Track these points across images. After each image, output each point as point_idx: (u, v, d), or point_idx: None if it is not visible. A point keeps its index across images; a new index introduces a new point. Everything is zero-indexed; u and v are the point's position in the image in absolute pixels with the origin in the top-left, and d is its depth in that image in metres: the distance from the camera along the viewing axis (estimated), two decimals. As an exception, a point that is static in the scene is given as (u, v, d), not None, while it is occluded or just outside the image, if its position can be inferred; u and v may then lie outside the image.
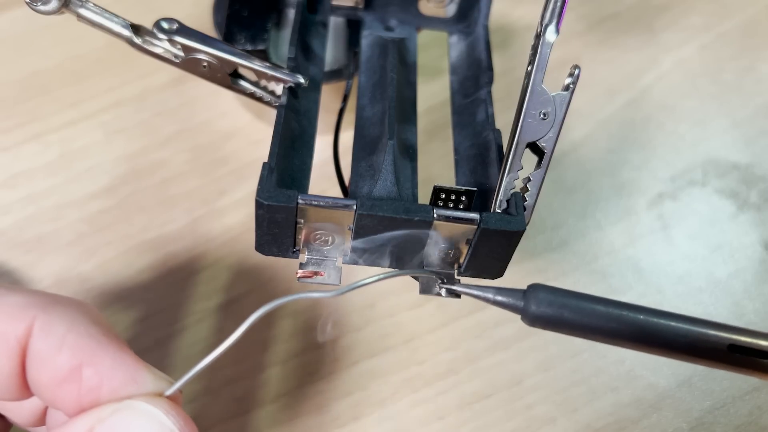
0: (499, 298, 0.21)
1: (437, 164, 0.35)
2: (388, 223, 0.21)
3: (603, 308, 0.20)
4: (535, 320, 0.21)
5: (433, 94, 0.38)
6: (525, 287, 0.21)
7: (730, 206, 0.36)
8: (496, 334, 0.32)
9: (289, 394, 0.30)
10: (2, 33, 0.40)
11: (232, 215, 0.34)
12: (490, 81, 0.27)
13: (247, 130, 0.37)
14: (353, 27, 0.31)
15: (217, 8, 0.35)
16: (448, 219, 0.21)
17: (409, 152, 0.25)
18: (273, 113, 0.36)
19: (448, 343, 0.31)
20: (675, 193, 0.36)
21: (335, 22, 0.33)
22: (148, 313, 0.31)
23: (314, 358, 0.31)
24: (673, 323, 0.20)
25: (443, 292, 0.22)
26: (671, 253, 0.34)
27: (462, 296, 0.23)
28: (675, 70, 0.41)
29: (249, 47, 0.31)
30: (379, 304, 0.32)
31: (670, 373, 0.31)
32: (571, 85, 0.21)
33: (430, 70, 0.38)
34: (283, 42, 0.35)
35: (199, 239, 0.33)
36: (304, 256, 0.23)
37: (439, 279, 0.23)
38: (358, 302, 0.32)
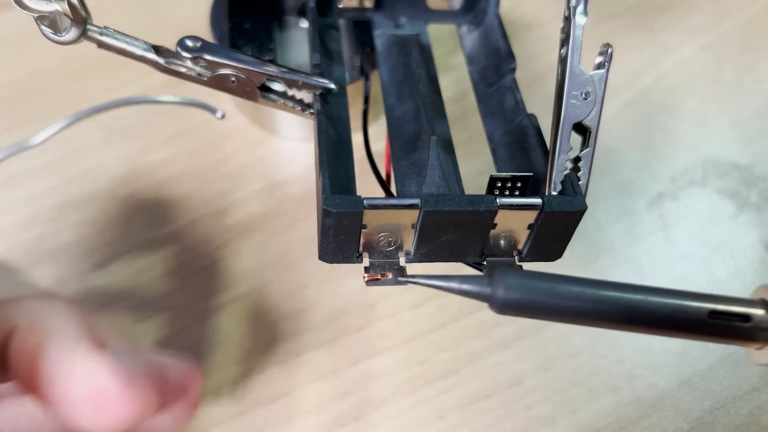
0: (465, 287, 0.19)
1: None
2: (453, 218, 0.21)
3: (577, 288, 0.19)
4: (505, 307, 0.19)
5: (442, 90, 0.37)
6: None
7: (730, 206, 0.36)
8: (496, 334, 0.32)
9: (289, 394, 0.30)
10: (2, 33, 0.40)
11: (232, 215, 0.34)
12: (514, 68, 0.27)
13: (247, 131, 0.37)
14: (361, 28, 0.31)
15: (214, 24, 0.34)
16: (512, 207, 0.21)
17: (446, 146, 0.25)
18: (269, 117, 0.36)
19: (448, 343, 0.31)
20: (675, 193, 0.36)
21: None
22: (148, 313, 0.31)
23: (314, 358, 0.31)
24: (651, 298, 0.19)
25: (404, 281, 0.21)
26: (671, 253, 0.34)
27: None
28: (675, 70, 0.41)
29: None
30: (379, 304, 0.32)
31: (670, 373, 0.31)
32: (606, 63, 0.22)
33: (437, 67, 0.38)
34: (285, 50, 0.35)
35: (199, 239, 0.33)
36: (367, 260, 0.23)
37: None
38: (358, 302, 0.32)
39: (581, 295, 0.19)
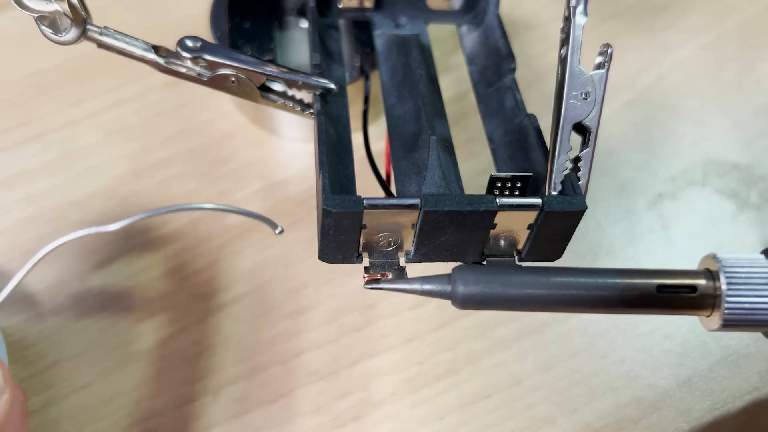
0: (426, 287, 0.21)
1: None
2: (453, 218, 0.21)
3: (530, 277, 0.20)
4: (466, 301, 0.20)
5: (442, 90, 0.37)
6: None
7: (730, 206, 0.36)
8: (496, 334, 0.32)
9: (289, 394, 0.30)
10: (2, 33, 0.40)
11: (232, 215, 0.34)
12: (514, 68, 0.27)
13: (247, 131, 0.37)
14: (361, 28, 0.31)
15: (214, 24, 0.34)
16: (512, 207, 0.21)
17: (446, 146, 0.25)
18: (269, 117, 0.36)
19: (448, 343, 0.31)
20: (675, 193, 0.36)
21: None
22: (148, 313, 0.31)
23: (314, 358, 0.31)
24: (600, 279, 0.20)
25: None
26: (671, 253, 0.34)
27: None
28: (675, 70, 0.41)
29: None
30: (379, 303, 0.32)
31: (670, 373, 0.31)
32: (605, 63, 0.22)
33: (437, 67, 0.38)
34: (285, 50, 0.35)
35: (199, 239, 0.33)
36: (366, 260, 0.23)
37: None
38: (358, 302, 0.32)
39: (535, 283, 0.20)
